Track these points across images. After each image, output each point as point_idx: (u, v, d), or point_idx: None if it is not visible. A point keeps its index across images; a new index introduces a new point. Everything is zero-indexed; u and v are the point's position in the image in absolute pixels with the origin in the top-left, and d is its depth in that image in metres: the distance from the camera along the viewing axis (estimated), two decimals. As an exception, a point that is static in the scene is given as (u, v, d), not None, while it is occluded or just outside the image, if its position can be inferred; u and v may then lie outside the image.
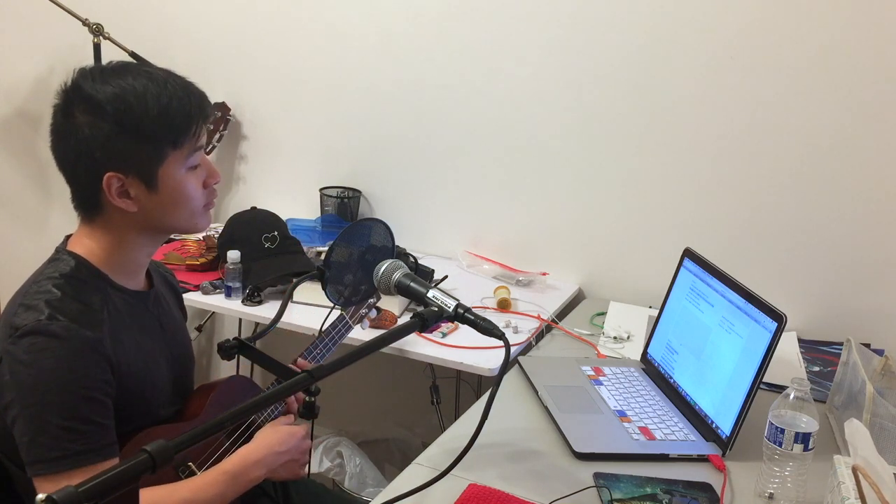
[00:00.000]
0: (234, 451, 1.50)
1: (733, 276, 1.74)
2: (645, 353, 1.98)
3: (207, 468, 1.46)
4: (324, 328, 1.80)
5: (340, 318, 1.84)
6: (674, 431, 1.67)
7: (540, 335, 2.19)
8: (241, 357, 1.48)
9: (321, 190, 2.79)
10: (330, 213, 2.74)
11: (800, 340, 2.18)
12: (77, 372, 1.29)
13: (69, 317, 1.30)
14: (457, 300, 1.36)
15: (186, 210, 1.40)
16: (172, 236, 2.27)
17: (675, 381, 1.82)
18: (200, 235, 2.55)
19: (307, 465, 1.62)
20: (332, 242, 1.62)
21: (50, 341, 1.27)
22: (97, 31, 2.80)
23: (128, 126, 1.32)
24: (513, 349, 1.36)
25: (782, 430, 1.38)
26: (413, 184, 2.72)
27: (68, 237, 1.44)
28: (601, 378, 1.88)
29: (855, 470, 1.19)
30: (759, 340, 1.58)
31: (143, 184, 1.35)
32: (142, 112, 1.32)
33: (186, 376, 1.59)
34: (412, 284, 1.41)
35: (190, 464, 1.46)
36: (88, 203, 1.38)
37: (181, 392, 1.56)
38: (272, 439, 1.50)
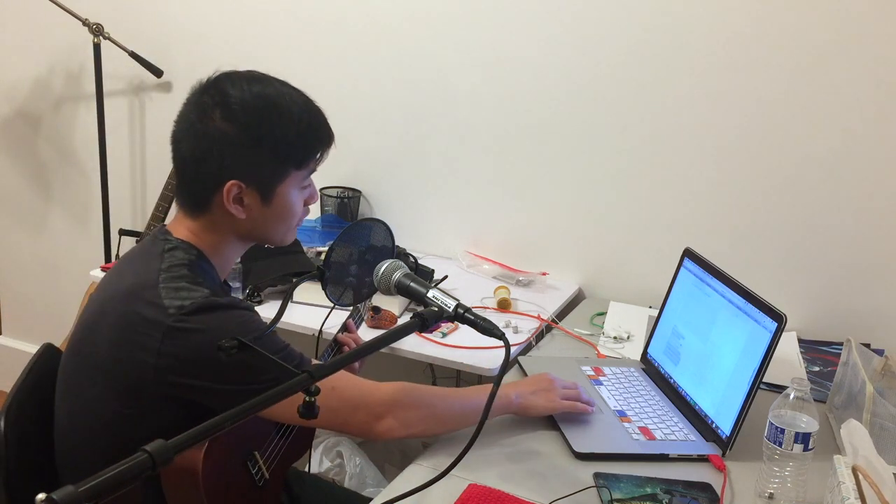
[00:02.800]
0: (288, 439, 1.54)
1: (733, 276, 1.74)
2: (645, 353, 1.98)
3: (268, 457, 1.49)
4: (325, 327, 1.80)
5: (355, 310, 1.86)
6: (674, 431, 1.67)
7: (540, 335, 2.19)
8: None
9: (321, 190, 2.78)
10: (330, 213, 2.74)
11: (800, 340, 2.18)
12: (259, 322, 1.36)
13: (223, 294, 1.38)
14: (457, 300, 1.36)
15: (286, 225, 1.46)
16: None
17: (674, 381, 1.82)
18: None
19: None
20: (332, 242, 1.62)
21: (227, 310, 1.33)
22: (97, 31, 2.80)
23: (265, 143, 1.36)
24: (513, 349, 1.36)
25: (782, 430, 1.38)
26: (413, 184, 2.72)
27: (164, 226, 1.45)
28: (601, 378, 1.88)
29: (855, 470, 1.19)
30: (759, 340, 1.57)
31: (259, 196, 1.39)
32: (281, 133, 1.37)
33: None
34: (412, 284, 1.41)
35: (255, 453, 1.47)
36: (198, 200, 1.40)
37: None
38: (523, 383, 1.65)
